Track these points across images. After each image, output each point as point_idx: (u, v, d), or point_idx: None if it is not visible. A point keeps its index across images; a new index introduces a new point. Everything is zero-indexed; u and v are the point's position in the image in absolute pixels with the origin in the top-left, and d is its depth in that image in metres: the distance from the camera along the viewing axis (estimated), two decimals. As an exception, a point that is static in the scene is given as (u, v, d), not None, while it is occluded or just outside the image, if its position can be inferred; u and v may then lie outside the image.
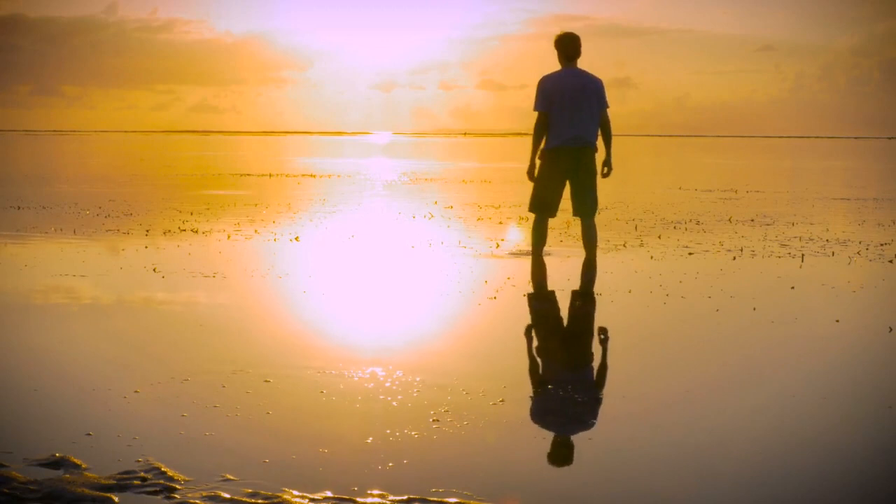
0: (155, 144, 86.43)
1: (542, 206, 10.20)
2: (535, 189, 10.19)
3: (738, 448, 4.33)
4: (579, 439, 4.48)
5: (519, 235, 12.79)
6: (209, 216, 15.12)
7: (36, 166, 37.94)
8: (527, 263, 10.08)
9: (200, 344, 6.43)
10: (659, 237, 12.67)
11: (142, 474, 3.86)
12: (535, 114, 10.12)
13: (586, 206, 10.12)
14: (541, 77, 10.20)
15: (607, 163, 10.26)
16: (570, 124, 9.99)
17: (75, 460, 4.01)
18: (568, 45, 10.16)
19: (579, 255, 10.34)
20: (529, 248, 10.63)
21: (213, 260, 10.22)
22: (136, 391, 5.13)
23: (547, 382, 5.44)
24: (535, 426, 4.67)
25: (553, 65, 10.23)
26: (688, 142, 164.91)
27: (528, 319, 7.43)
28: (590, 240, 10.13)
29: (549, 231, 10.79)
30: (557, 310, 7.81)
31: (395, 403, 4.93)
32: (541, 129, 10.08)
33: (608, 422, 4.73)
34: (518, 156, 61.90)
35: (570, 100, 10.00)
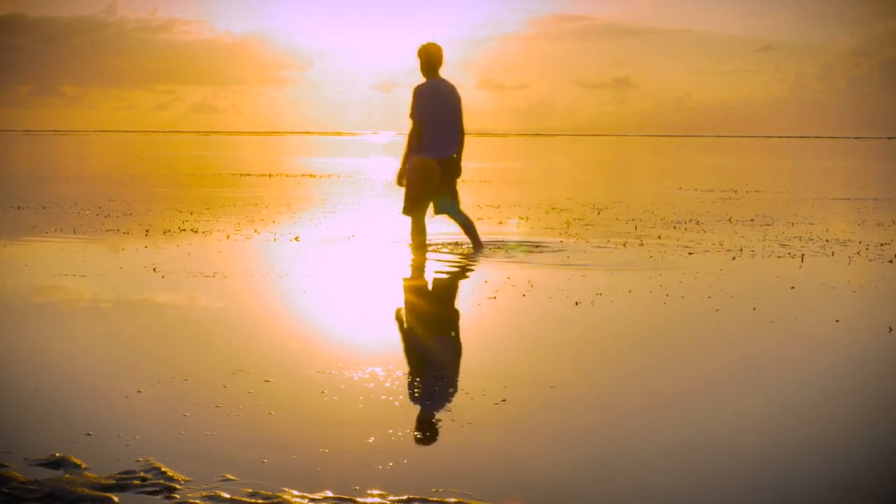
0: (155, 144, 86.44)
1: (422, 208, 10.89)
2: (414, 194, 10.79)
3: (738, 448, 4.33)
4: (580, 439, 4.47)
5: (519, 236, 12.78)
6: (209, 216, 15.11)
7: (36, 166, 37.94)
8: (526, 264, 10.08)
9: (200, 344, 6.43)
10: (659, 237, 12.66)
11: (142, 474, 3.86)
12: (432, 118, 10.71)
13: (448, 203, 10.94)
14: (416, 87, 10.78)
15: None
16: (446, 135, 10.79)
17: (75, 460, 4.01)
18: (437, 56, 10.82)
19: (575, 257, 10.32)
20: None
21: (213, 260, 10.22)
22: (136, 391, 5.13)
23: (547, 382, 5.43)
24: (536, 426, 4.67)
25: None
26: (688, 142, 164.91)
27: (528, 320, 7.43)
28: (465, 223, 11.05)
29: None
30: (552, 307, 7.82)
31: (396, 403, 4.93)
32: (417, 137, 10.70)
33: (609, 421, 4.73)
34: (518, 156, 61.87)
35: (448, 112, 10.79)
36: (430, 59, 10.83)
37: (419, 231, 10.98)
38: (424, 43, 10.93)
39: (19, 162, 43.84)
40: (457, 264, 10.00)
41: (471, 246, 11.09)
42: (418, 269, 9.88)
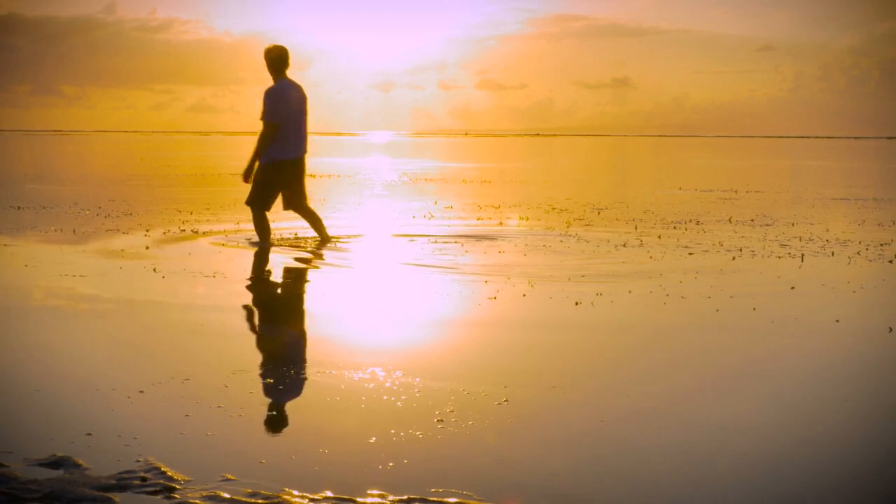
0: (154, 144, 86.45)
1: (266, 204, 11.31)
2: (264, 191, 11.25)
3: (737, 448, 4.33)
4: (581, 439, 4.48)
5: (520, 236, 12.78)
6: (209, 216, 15.11)
7: (35, 166, 37.94)
8: (527, 261, 10.08)
9: (201, 344, 6.42)
10: (659, 237, 12.66)
11: (142, 474, 3.86)
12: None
13: (303, 200, 11.45)
14: (267, 89, 11.12)
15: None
16: (299, 138, 11.22)
17: (76, 460, 4.01)
18: (283, 58, 11.18)
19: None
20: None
21: (214, 260, 10.21)
22: (138, 391, 5.13)
23: (549, 383, 5.43)
24: (537, 426, 4.67)
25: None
26: (687, 142, 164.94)
27: (528, 319, 7.42)
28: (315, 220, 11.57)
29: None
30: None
31: (399, 404, 4.92)
32: (271, 138, 11.07)
33: (610, 422, 4.73)
34: (517, 156, 61.87)
35: (298, 113, 11.20)
36: (276, 61, 11.20)
37: (261, 222, 11.37)
38: (269, 45, 11.33)
39: (19, 162, 43.83)
40: (456, 264, 9.99)
41: (319, 240, 11.53)
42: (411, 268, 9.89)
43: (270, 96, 11.08)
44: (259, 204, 11.33)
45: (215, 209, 16.54)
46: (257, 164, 11.30)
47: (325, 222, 11.78)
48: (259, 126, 11.21)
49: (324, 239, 11.55)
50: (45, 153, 57.94)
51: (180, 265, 9.74)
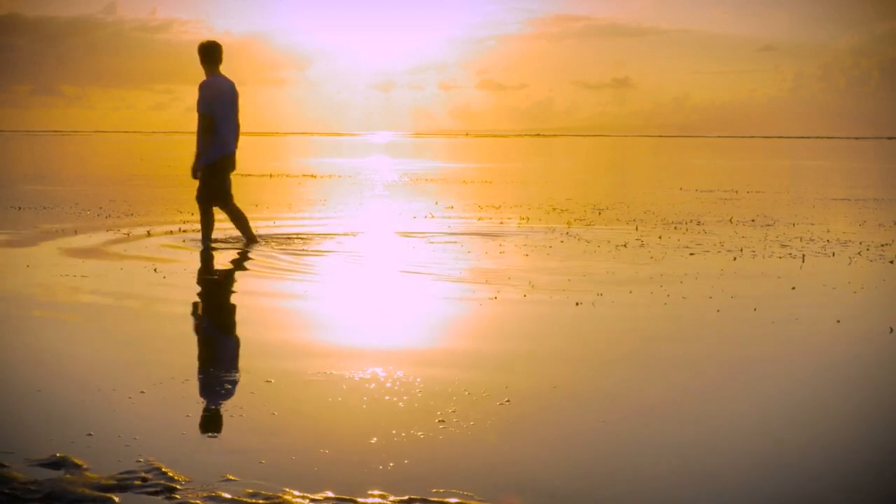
0: (154, 144, 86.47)
1: (214, 202, 11.42)
2: (213, 188, 11.29)
3: (738, 449, 4.33)
4: (582, 440, 4.47)
5: (519, 237, 12.78)
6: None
7: (36, 166, 37.94)
8: (528, 262, 10.08)
9: (202, 345, 6.42)
10: (660, 237, 12.66)
11: (142, 474, 3.86)
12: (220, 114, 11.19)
13: (230, 197, 11.46)
14: (201, 83, 11.26)
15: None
16: (231, 132, 11.36)
17: (76, 460, 4.00)
18: (216, 52, 11.31)
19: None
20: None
21: (215, 260, 10.21)
22: (139, 391, 5.13)
23: (550, 382, 5.43)
24: (539, 426, 4.66)
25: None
26: (688, 142, 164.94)
27: (529, 320, 7.42)
28: (239, 218, 11.55)
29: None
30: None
31: (400, 404, 4.92)
32: (210, 130, 11.14)
33: (611, 422, 4.73)
34: (518, 156, 61.88)
35: (231, 107, 11.31)
36: (209, 55, 11.33)
37: (207, 221, 11.50)
38: (203, 40, 11.48)
39: (19, 162, 43.84)
40: (457, 265, 9.99)
41: (242, 240, 11.56)
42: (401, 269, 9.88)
43: (203, 89, 11.22)
44: (206, 200, 11.41)
45: (216, 210, 16.51)
46: (200, 167, 11.34)
47: (328, 222, 11.76)
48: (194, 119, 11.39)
49: (249, 239, 11.49)
50: (45, 153, 57.96)
51: (182, 266, 9.74)
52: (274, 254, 10.59)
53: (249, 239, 11.48)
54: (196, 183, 11.43)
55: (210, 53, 11.32)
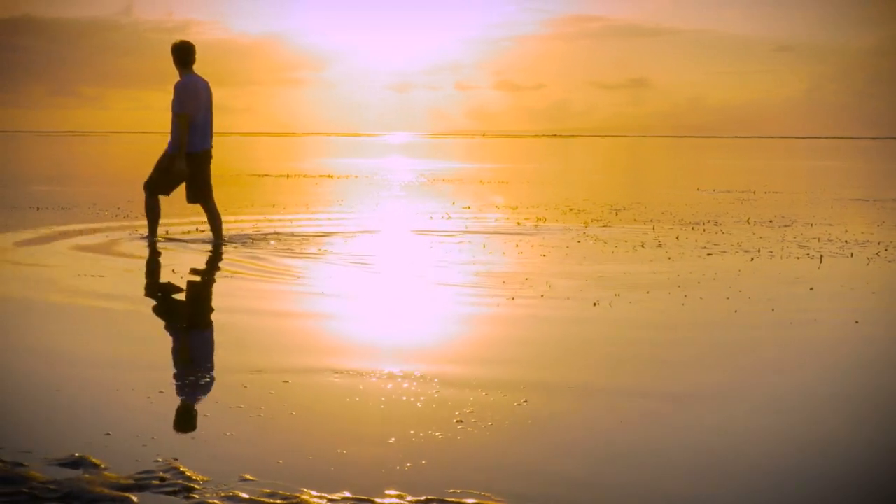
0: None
1: (162, 191, 11.68)
2: (164, 177, 11.53)
3: (757, 450, 4.31)
4: (600, 440, 4.46)
5: (536, 237, 12.77)
6: (227, 217, 15.11)
7: (54, 167, 38.07)
8: (545, 262, 10.07)
9: (220, 344, 6.43)
10: (677, 238, 12.64)
11: (160, 474, 3.86)
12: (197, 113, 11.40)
13: (209, 195, 11.67)
14: (176, 83, 11.38)
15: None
16: (205, 129, 11.53)
17: (94, 460, 4.01)
18: (189, 53, 11.45)
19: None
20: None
21: (232, 261, 10.23)
22: (157, 391, 5.14)
23: (567, 383, 5.42)
24: (556, 427, 4.65)
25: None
26: (704, 143, 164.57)
27: (547, 320, 7.41)
28: (214, 218, 11.72)
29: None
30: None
31: (418, 405, 4.92)
32: (187, 128, 11.32)
33: (629, 422, 4.72)
34: (534, 156, 61.86)
35: (206, 106, 11.49)
36: (182, 55, 11.47)
37: (152, 209, 11.73)
38: (176, 41, 11.62)
39: (37, 163, 44.00)
40: (474, 265, 9.98)
41: (213, 238, 11.69)
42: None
43: (179, 89, 11.34)
44: (155, 189, 11.62)
45: (234, 210, 16.56)
46: (165, 151, 11.55)
47: (345, 221, 11.77)
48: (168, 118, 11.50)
49: (218, 239, 11.58)
50: (62, 154, 58.14)
51: (200, 266, 9.76)
52: (290, 253, 10.59)
53: (218, 239, 11.57)
54: (196, 180, 11.54)
55: (183, 54, 11.47)
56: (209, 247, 11.20)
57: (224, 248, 11.14)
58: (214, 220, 11.69)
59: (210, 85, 11.64)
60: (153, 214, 11.77)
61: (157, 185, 11.62)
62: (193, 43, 11.60)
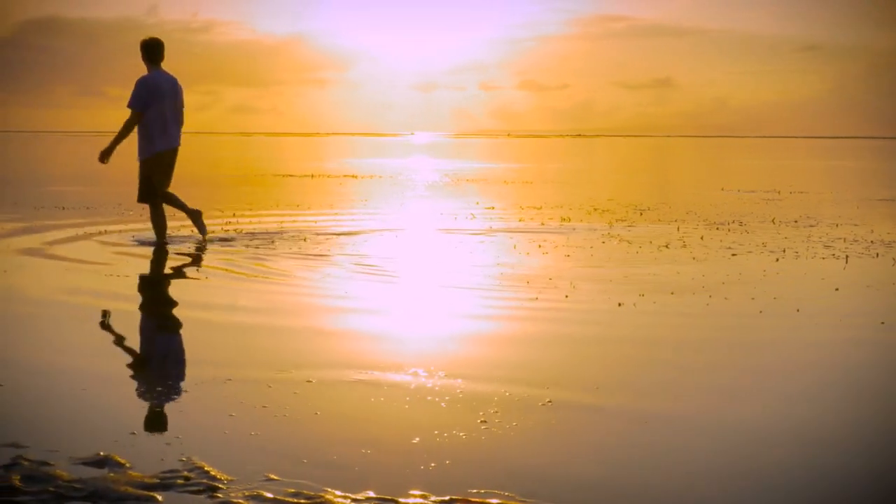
0: (196, 145, 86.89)
1: (154, 196, 11.55)
2: (151, 185, 11.46)
3: (781, 452, 4.29)
4: (624, 441, 4.45)
5: (560, 237, 12.74)
6: (252, 217, 15.17)
7: (80, 167, 38.23)
8: (569, 262, 10.05)
9: (244, 344, 6.45)
10: (702, 238, 12.60)
11: (185, 473, 3.88)
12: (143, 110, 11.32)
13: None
14: (139, 78, 11.39)
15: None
16: (173, 126, 11.49)
17: (119, 459, 4.03)
18: (156, 49, 11.47)
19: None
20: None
21: (257, 261, 10.24)
22: (182, 391, 5.16)
23: (592, 384, 5.41)
24: (581, 428, 4.64)
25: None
26: (729, 143, 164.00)
27: (571, 320, 7.39)
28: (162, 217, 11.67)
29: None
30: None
31: (442, 405, 4.92)
32: (132, 126, 11.39)
33: (653, 423, 4.70)
34: (558, 156, 61.78)
35: (171, 102, 11.42)
36: (149, 51, 11.49)
37: (157, 218, 11.65)
38: (145, 37, 11.61)
39: (63, 163, 44.22)
40: (498, 265, 9.97)
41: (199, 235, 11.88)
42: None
43: (139, 85, 11.37)
44: (150, 198, 11.56)
45: (258, 210, 16.61)
46: (137, 160, 11.55)
47: (370, 221, 11.76)
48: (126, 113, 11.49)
49: (159, 238, 11.58)
50: (88, 154, 58.39)
51: (224, 266, 9.78)
52: (313, 251, 10.61)
53: (161, 240, 11.57)
54: (149, 181, 11.49)
55: (150, 51, 11.50)
56: (226, 247, 11.20)
57: (196, 248, 11.19)
58: (159, 220, 11.66)
59: (179, 82, 11.63)
60: (160, 227, 11.70)
61: (149, 193, 11.55)
62: (162, 40, 11.59)
